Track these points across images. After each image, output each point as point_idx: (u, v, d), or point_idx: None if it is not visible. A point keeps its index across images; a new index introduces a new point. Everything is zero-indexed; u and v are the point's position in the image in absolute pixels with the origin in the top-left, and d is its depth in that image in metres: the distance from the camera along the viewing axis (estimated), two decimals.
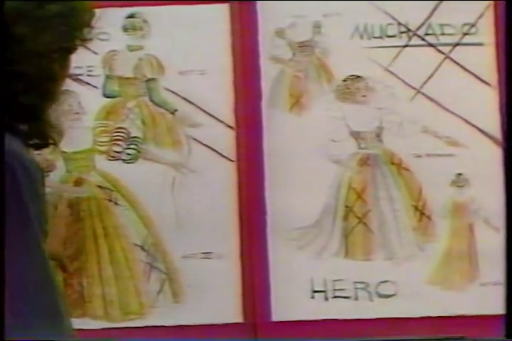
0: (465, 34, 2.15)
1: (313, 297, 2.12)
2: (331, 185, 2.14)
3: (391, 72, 2.14)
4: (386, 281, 2.12)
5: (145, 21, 2.15)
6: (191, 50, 2.14)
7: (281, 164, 2.13)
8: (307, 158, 2.13)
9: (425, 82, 2.14)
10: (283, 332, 2.09)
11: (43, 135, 1.57)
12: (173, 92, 2.15)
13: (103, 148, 2.14)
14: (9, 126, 1.48)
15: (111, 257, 2.12)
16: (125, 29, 2.15)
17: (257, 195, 2.12)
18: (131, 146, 2.14)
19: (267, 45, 2.14)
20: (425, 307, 2.10)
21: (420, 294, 2.11)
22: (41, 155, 1.94)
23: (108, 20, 2.05)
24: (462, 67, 2.14)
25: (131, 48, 2.16)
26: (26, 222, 1.44)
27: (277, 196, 2.12)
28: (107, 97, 2.16)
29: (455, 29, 2.15)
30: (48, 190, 1.55)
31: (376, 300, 2.12)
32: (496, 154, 2.11)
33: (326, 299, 2.12)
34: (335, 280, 2.12)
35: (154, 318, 2.12)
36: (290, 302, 2.11)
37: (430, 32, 2.15)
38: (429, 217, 2.13)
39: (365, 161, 2.15)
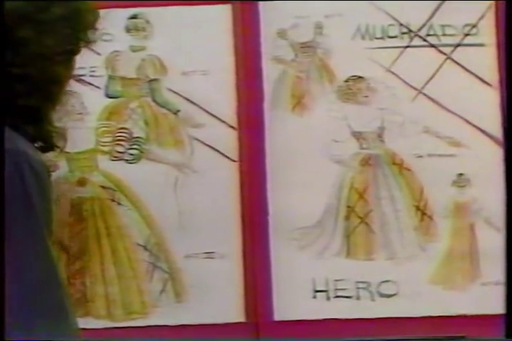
0: (466, 35, 2.15)
1: (315, 296, 2.13)
2: (333, 185, 2.14)
3: (393, 73, 2.15)
4: (388, 281, 2.13)
5: (148, 22, 2.15)
6: (194, 51, 2.14)
7: (283, 164, 2.13)
8: (309, 158, 2.13)
9: (427, 83, 2.14)
10: (285, 332, 2.10)
11: (47, 138, 1.58)
12: (175, 93, 2.15)
13: (106, 149, 2.15)
14: (15, 127, 1.49)
15: (114, 257, 2.13)
16: (128, 30, 2.15)
17: (259, 195, 2.12)
18: (134, 146, 2.15)
19: (269, 45, 2.15)
20: (426, 306, 2.11)
21: (421, 294, 2.11)
22: (44, 156, 1.94)
23: (111, 21, 2.04)
24: (463, 67, 2.14)
25: (133, 49, 2.16)
26: (34, 221, 1.44)
27: (279, 196, 2.12)
28: (110, 98, 2.16)
29: (456, 30, 2.15)
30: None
31: (378, 299, 2.12)
32: (497, 154, 2.11)
33: (328, 299, 2.13)
34: (337, 280, 2.12)
35: (157, 318, 2.12)
36: (292, 301, 2.11)
37: (431, 33, 2.15)
38: (430, 217, 2.14)
39: (366, 161, 2.15)
